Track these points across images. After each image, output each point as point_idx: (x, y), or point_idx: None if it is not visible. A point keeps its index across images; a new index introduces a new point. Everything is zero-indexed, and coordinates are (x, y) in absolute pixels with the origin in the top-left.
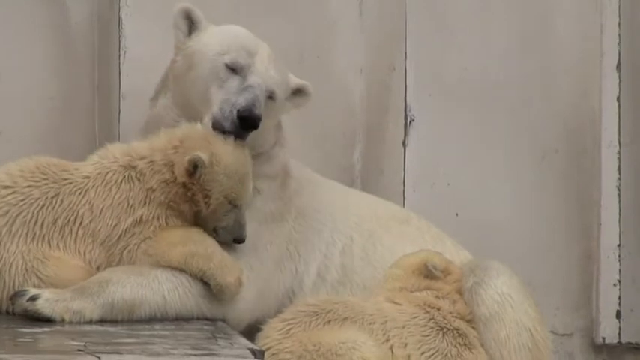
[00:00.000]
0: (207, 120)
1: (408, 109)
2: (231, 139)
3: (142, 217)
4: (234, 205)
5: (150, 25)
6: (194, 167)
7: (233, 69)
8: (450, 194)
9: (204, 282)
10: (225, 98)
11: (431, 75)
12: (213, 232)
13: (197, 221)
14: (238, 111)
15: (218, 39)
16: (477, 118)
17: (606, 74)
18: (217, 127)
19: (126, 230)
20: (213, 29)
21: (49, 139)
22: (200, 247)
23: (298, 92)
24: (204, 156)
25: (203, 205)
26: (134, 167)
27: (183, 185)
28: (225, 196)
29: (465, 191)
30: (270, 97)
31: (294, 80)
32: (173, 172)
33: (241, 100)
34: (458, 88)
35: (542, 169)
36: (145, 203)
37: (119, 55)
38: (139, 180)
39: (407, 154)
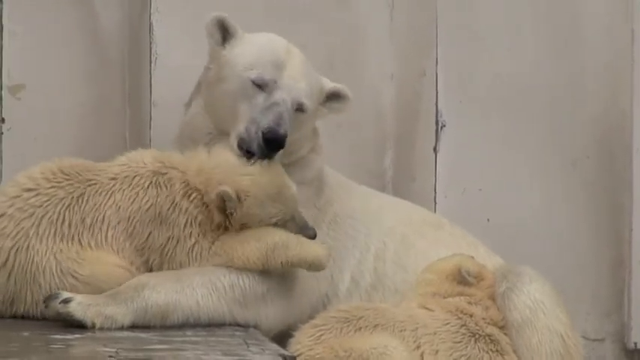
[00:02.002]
0: (234, 138)
1: (438, 115)
2: (258, 161)
3: (175, 229)
4: (282, 223)
5: (181, 32)
6: (223, 201)
7: (259, 85)
8: (481, 200)
9: (240, 289)
10: (250, 117)
11: (461, 81)
12: None
13: None
14: (263, 133)
15: (248, 52)
16: (508, 123)
17: (637, 79)
18: (243, 146)
19: (166, 242)
20: (245, 39)
21: (80, 146)
22: (275, 237)
23: (334, 97)
24: (229, 189)
25: None
26: (164, 174)
27: (219, 225)
28: (267, 223)
29: (496, 197)
30: (300, 109)
31: (329, 85)
32: (207, 206)
33: (265, 121)
34: (489, 93)
35: (573, 174)
36: (176, 215)
37: (150, 62)
38: (166, 187)
39: (438, 159)
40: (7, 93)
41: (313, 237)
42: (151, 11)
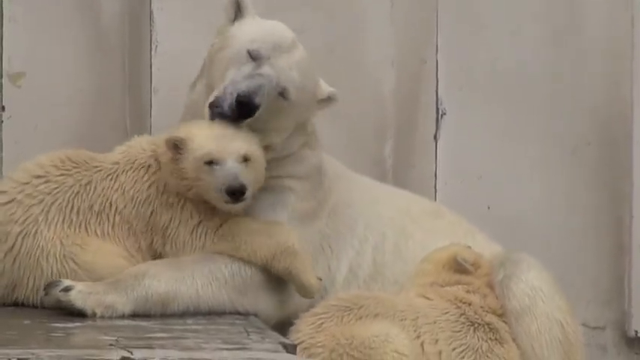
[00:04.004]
0: (210, 98)
1: (439, 103)
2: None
3: (173, 209)
4: (209, 162)
5: (181, 19)
6: (174, 147)
7: (253, 57)
8: (482, 187)
9: (241, 278)
10: (232, 79)
11: (462, 68)
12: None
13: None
14: (238, 95)
15: (254, 30)
16: (509, 110)
17: (637, 67)
18: (215, 105)
19: (168, 223)
20: (256, 20)
21: (81, 134)
22: (288, 240)
23: (326, 101)
24: (178, 135)
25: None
26: (157, 158)
27: (172, 172)
28: (202, 161)
29: (497, 184)
30: (282, 94)
31: (325, 90)
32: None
33: (244, 86)
34: (489, 80)
35: (573, 161)
36: (173, 196)
37: (150, 49)
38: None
39: (438, 147)
40: (8, 81)
41: (237, 191)
42: None
